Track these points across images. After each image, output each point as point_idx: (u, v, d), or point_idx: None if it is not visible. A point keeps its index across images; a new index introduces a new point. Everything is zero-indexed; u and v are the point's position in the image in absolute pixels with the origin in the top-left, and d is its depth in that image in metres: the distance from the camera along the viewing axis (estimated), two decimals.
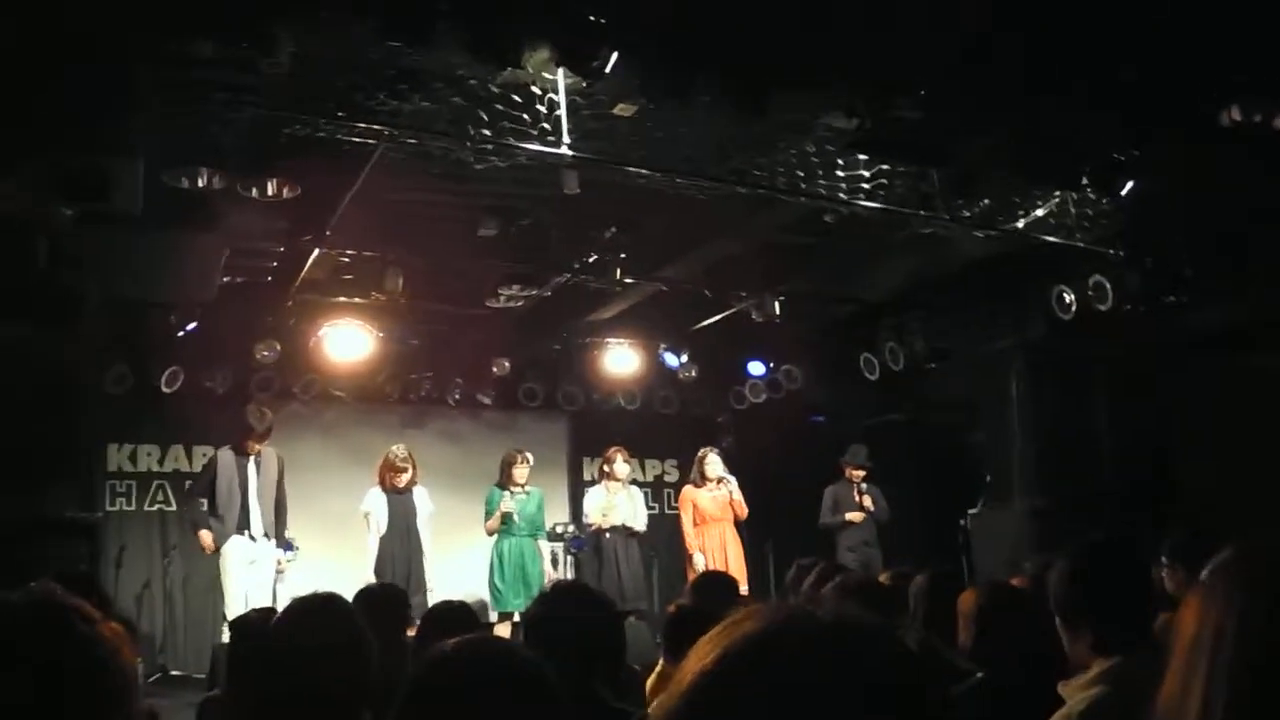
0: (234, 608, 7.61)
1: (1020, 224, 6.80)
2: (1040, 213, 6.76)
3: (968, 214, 6.61)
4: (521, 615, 8.12)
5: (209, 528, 7.94)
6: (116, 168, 5.22)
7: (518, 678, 1.75)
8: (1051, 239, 6.93)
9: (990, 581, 3.65)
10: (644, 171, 5.78)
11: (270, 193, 6.15)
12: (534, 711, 1.74)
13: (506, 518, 8.85)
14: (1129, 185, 5.92)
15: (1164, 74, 5.15)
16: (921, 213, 6.53)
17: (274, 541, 8.09)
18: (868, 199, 6.33)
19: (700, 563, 8.95)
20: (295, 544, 8.47)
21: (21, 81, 4.29)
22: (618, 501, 9.23)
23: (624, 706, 2.73)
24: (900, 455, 10.32)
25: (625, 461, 9.32)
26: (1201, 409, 8.38)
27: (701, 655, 0.88)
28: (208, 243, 7.04)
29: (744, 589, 8.85)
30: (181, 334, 8.91)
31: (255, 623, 3.85)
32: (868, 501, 9.52)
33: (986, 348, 8.95)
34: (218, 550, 7.97)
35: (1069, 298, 7.76)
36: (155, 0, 4.29)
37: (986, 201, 6.56)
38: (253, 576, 7.94)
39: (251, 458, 8.09)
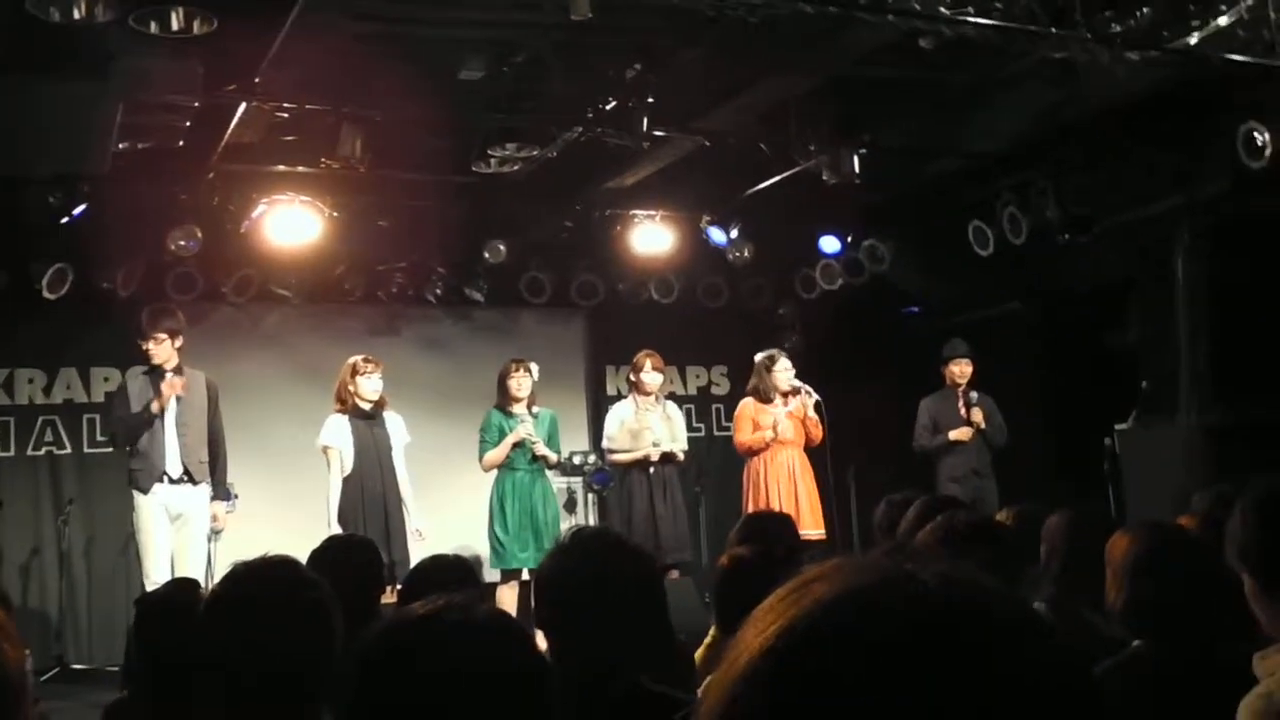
0: (156, 574, 7.74)
1: (1193, 40, 6.62)
2: (1223, 21, 6.55)
3: (1119, 30, 6.46)
4: (531, 573, 8.28)
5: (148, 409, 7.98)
6: None
7: (497, 658, 1.79)
8: (1239, 58, 6.74)
9: (1148, 522, 3.63)
10: None
11: (176, 27, 6.09)
12: (517, 703, 1.77)
13: (519, 447, 8.90)
14: None
15: None
16: (1054, 31, 6.40)
17: (205, 487, 8.17)
18: (979, 15, 6.20)
19: (783, 428, 9.05)
20: (234, 491, 8.56)
21: None
22: (651, 421, 9.28)
23: (664, 690, 2.76)
24: (1023, 356, 10.30)
25: (657, 370, 9.33)
26: None
27: (761, 628, 0.86)
28: (95, 96, 7.01)
29: (818, 532, 9.03)
30: (66, 220, 8.92)
31: (167, 600, 3.90)
32: (977, 415, 9.52)
33: (1144, 212, 8.89)
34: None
35: (1262, 139, 7.59)
36: None
37: (1145, 11, 6.39)
38: (183, 535, 8.04)
39: (168, 378, 8.12)
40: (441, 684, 1.75)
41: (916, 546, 3.70)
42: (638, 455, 9.19)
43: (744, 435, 9.26)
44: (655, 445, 9.19)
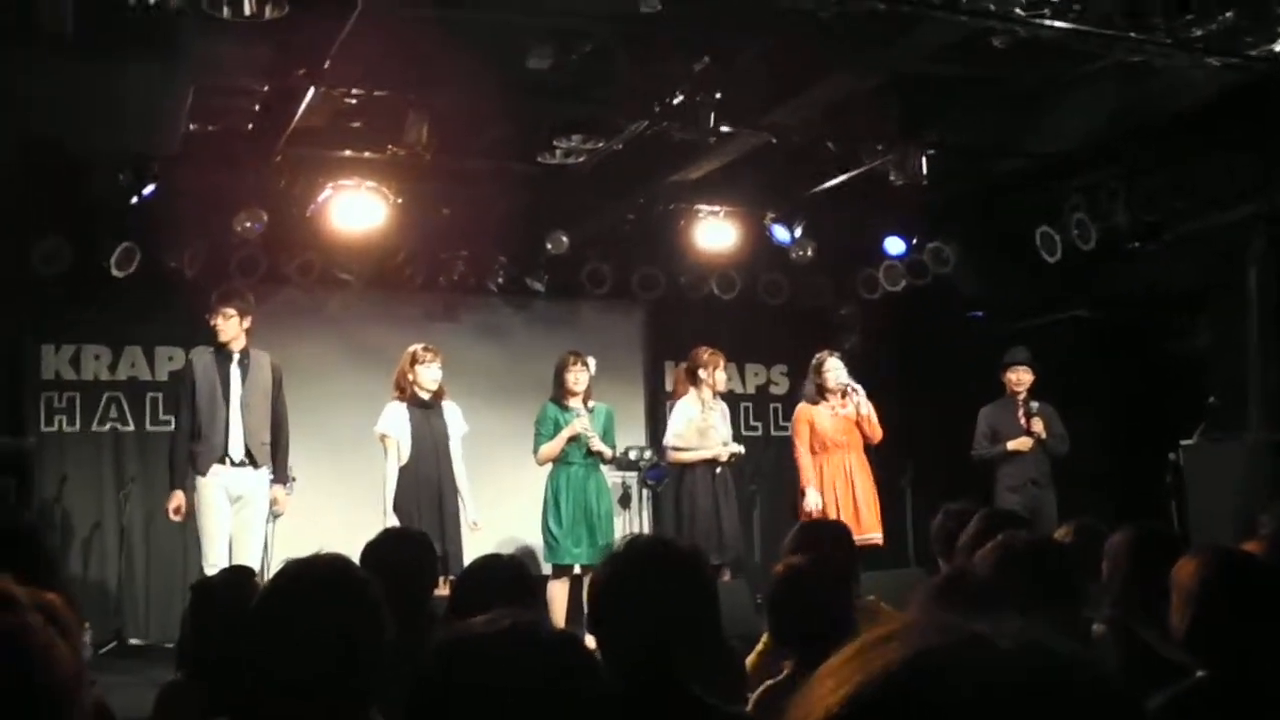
0: (214, 557, 7.79)
1: (1279, 47, 6.48)
2: None
3: (1199, 34, 6.34)
4: (584, 569, 8.28)
5: (183, 487, 8.05)
6: None
7: (558, 679, 1.79)
8: None
9: (1216, 545, 3.54)
10: None
11: (248, 11, 6.10)
12: None
13: (575, 441, 8.89)
14: None
15: None
16: (1132, 35, 6.28)
17: (266, 471, 8.20)
18: (1055, 17, 6.11)
19: (814, 503, 8.95)
20: (292, 474, 8.60)
21: None
22: (715, 420, 9.24)
23: (714, 702, 2.75)
24: (1087, 365, 10.16)
25: (724, 369, 9.38)
26: None
27: (830, 687, 0.84)
28: (166, 78, 7.04)
29: (876, 535, 8.96)
30: (136, 200, 8.98)
31: (222, 588, 3.92)
32: (1037, 425, 9.42)
33: (1217, 219, 8.76)
34: (188, 514, 8.07)
35: None
36: None
37: (1229, 15, 6.26)
38: (242, 518, 8.07)
39: (235, 359, 8.17)
40: (500, 704, 1.74)
41: (975, 569, 3.64)
42: (706, 454, 9.14)
43: (802, 443, 9.18)
44: (724, 445, 9.18)
